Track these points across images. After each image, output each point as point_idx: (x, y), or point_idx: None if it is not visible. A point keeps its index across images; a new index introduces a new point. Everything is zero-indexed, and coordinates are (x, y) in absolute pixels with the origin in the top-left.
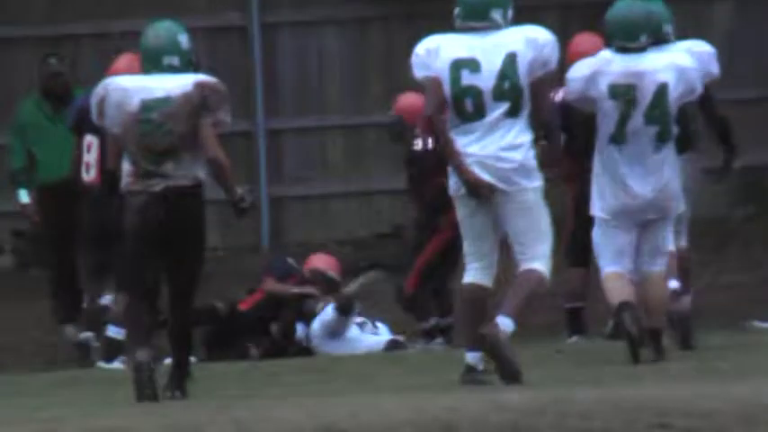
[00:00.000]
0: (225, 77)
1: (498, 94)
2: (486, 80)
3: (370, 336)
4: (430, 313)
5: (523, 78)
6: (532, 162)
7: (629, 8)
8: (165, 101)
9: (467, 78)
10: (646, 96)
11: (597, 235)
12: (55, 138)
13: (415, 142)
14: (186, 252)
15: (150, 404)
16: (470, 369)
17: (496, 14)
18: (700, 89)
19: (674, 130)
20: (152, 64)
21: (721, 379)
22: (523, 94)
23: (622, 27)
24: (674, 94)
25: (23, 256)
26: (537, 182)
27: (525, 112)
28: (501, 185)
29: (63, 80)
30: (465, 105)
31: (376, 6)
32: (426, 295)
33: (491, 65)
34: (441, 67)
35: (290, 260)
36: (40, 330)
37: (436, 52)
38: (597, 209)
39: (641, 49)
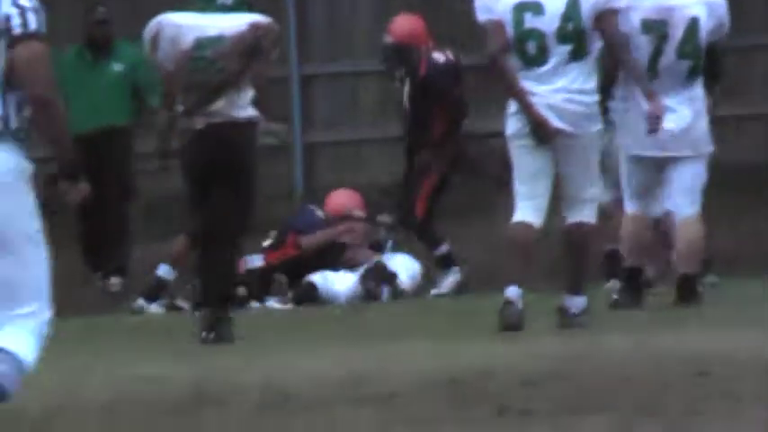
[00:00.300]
0: None
1: (561, 37)
2: (549, 23)
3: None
4: (441, 239)
5: (586, 20)
6: (597, 106)
7: None
8: (219, 39)
9: (529, 21)
10: (678, 31)
11: (624, 172)
12: (93, 86)
13: (434, 58)
14: (233, 188)
15: (180, 351)
16: (509, 302)
17: None
18: (728, 23)
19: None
20: (205, 2)
21: (760, 327)
22: (587, 36)
23: None
24: (705, 28)
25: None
26: (598, 126)
27: (591, 56)
28: (568, 128)
29: (107, 29)
30: (528, 48)
31: None
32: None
33: (554, 7)
34: (503, 10)
35: (313, 207)
36: (66, 278)
37: None
38: (624, 145)
39: None
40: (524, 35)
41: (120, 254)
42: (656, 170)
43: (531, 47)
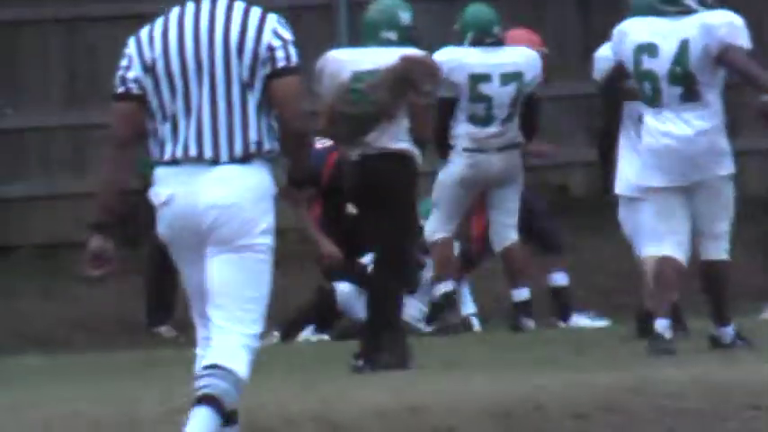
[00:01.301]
0: (307, 60)
1: (672, 79)
2: (661, 65)
3: None
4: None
5: (696, 64)
6: (720, 145)
7: None
8: (372, 73)
9: (646, 62)
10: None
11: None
12: None
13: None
14: (391, 217)
15: None
16: (657, 337)
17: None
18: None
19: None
20: (370, 37)
21: None
22: (696, 80)
23: None
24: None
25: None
26: (725, 163)
27: (709, 98)
28: (688, 170)
29: None
30: (644, 89)
31: None
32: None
33: (667, 50)
34: (627, 49)
35: None
36: (120, 309)
37: (624, 35)
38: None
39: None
40: (641, 76)
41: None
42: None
43: (647, 88)
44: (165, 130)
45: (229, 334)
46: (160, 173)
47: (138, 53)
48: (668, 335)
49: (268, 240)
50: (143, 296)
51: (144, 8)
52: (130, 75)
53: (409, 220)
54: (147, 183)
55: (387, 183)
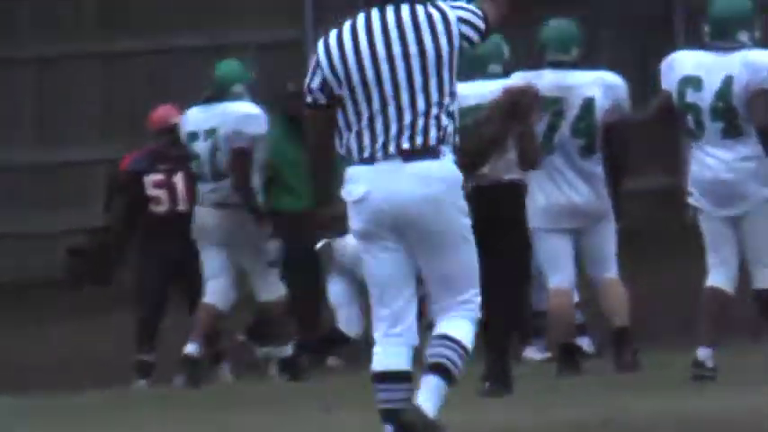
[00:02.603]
0: (281, 90)
1: (714, 114)
2: (705, 99)
3: None
4: None
5: (738, 100)
6: (763, 175)
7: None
8: (477, 108)
9: (690, 96)
10: (573, 110)
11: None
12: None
13: None
14: (506, 245)
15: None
16: (700, 365)
17: (743, 35)
18: (627, 104)
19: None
20: (478, 70)
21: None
22: (738, 115)
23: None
24: (600, 108)
25: (79, 274)
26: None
27: (750, 131)
28: (734, 201)
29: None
30: (687, 121)
31: None
32: None
33: (711, 84)
34: (673, 80)
35: None
36: (94, 349)
37: (672, 66)
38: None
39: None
40: (685, 108)
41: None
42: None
43: (690, 121)
44: (360, 130)
45: (454, 311)
46: (354, 171)
47: (327, 60)
48: (710, 363)
49: (467, 221)
50: (115, 334)
51: (114, 47)
52: (315, 83)
53: (526, 246)
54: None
55: (503, 213)
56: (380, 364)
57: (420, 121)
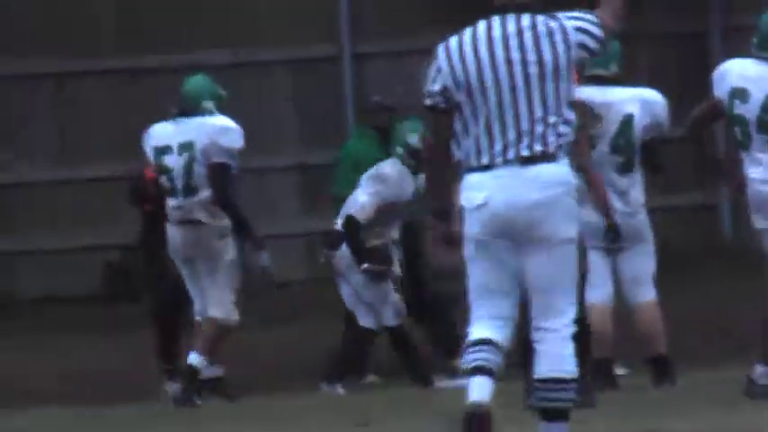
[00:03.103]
0: (311, 113)
1: (760, 126)
2: (751, 111)
3: None
4: None
5: None
6: None
7: None
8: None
9: (738, 107)
10: (612, 126)
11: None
12: None
13: None
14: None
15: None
16: (756, 381)
17: None
18: (666, 121)
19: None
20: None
21: None
22: None
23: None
24: (639, 125)
25: (115, 287)
26: None
27: None
28: None
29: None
30: (735, 133)
31: None
32: None
33: (757, 96)
34: (723, 92)
35: None
36: (111, 363)
37: (723, 76)
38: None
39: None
40: (733, 120)
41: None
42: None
43: (738, 132)
44: (478, 136)
45: (554, 336)
46: (474, 178)
47: (447, 65)
48: (764, 381)
49: (577, 225)
50: (138, 351)
51: (130, 63)
52: (436, 87)
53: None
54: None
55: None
56: (475, 335)
57: (538, 129)
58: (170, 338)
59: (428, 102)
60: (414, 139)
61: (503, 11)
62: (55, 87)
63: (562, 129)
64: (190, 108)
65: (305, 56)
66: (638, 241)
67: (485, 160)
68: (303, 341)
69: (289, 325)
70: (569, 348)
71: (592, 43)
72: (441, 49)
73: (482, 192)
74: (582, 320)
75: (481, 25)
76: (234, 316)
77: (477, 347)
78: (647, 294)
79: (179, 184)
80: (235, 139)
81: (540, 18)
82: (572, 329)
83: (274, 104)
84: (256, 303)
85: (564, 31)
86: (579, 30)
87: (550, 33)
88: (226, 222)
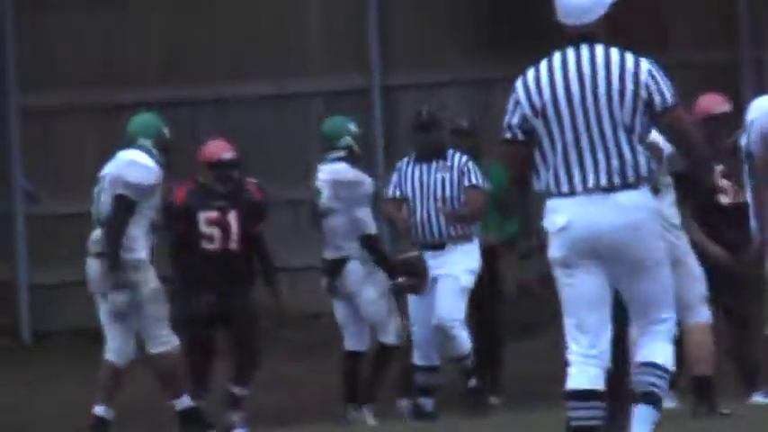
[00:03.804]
0: None
1: None
2: None
3: None
4: None
5: None
6: None
7: None
8: None
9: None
10: None
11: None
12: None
13: None
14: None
15: None
16: None
17: None
18: None
19: None
20: None
21: None
22: None
23: None
24: None
25: None
26: None
27: None
28: None
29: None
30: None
31: (499, 66)
32: None
33: None
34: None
35: None
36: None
37: (755, 110)
38: None
39: None
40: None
41: None
42: None
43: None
44: (558, 166)
45: (653, 333)
46: (555, 203)
47: (526, 97)
48: None
49: (663, 244)
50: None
51: (173, 95)
52: (515, 119)
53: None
54: None
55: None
56: (575, 383)
57: (614, 162)
58: (203, 366)
59: (507, 135)
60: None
61: (576, 42)
62: (102, 119)
63: (639, 159)
64: (127, 144)
65: (336, 88)
66: (679, 264)
67: (565, 189)
68: (334, 372)
69: (319, 356)
70: (669, 346)
71: (657, 100)
72: (519, 82)
73: (564, 215)
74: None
75: (556, 57)
76: (167, 347)
77: (578, 403)
78: (696, 316)
79: (94, 215)
80: (140, 175)
81: (615, 51)
82: (673, 332)
83: (306, 135)
84: (288, 334)
85: (637, 66)
86: (652, 76)
87: (623, 65)
88: (138, 255)
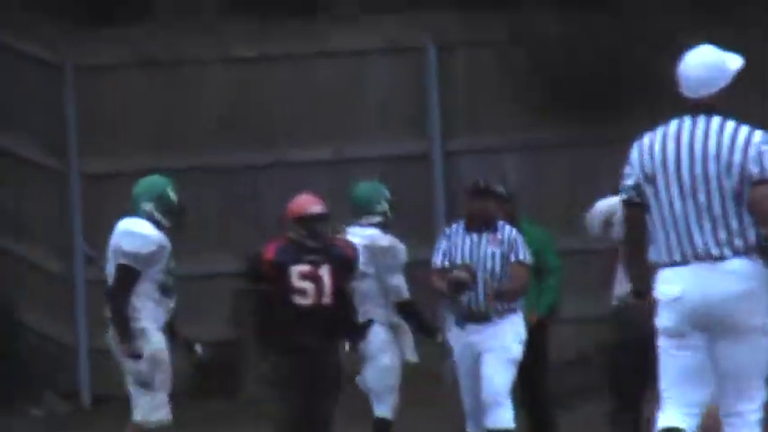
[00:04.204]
0: (403, 208)
1: None
2: None
3: None
4: None
5: None
6: None
7: None
8: None
9: None
10: None
11: None
12: None
13: None
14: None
15: None
16: None
17: None
18: None
19: None
20: None
21: None
22: None
23: None
24: None
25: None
26: None
27: None
28: None
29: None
30: None
31: (559, 131)
32: None
33: None
34: None
35: None
36: None
37: None
38: None
39: None
40: None
41: None
42: None
43: None
44: (669, 234)
45: (744, 415)
46: (668, 272)
47: (639, 162)
48: None
49: (765, 320)
50: None
51: (236, 160)
52: (629, 182)
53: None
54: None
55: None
56: (664, 422)
57: (721, 234)
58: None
59: (624, 196)
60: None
61: (693, 113)
62: None
63: (747, 230)
64: (131, 210)
65: (396, 152)
66: None
67: (676, 257)
68: None
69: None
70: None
71: (756, 174)
72: (634, 146)
73: (677, 285)
74: None
75: (672, 124)
76: (153, 417)
77: None
78: None
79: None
80: (136, 244)
81: (730, 123)
82: (759, 415)
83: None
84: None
85: (749, 139)
86: (759, 150)
87: (735, 137)
88: (140, 324)
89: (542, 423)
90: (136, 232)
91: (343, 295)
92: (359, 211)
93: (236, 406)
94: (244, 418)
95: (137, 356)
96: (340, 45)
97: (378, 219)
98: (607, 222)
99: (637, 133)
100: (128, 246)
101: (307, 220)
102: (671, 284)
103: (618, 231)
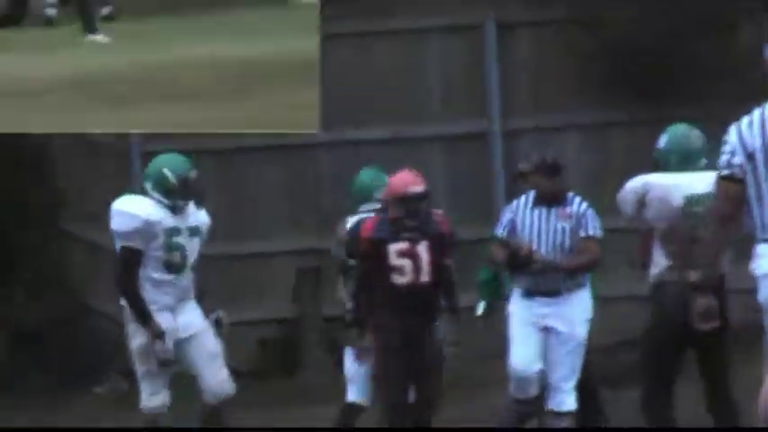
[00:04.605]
0: (463, 188)
1: None
2: None
3: None
4: None
5: None
6: None
7: None
8: (708, 197)
9: None
10: None
11: None
12: None
13: None
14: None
15: None
16: None
17: None
18: None
19: None
20: (688, 164)
21: None
22: None
23: None
24: None
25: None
26: None
27: None
28: None
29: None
30: None
31: (620, 111)
32: None
33: None
34: None
35: None
36: None
37: None
38: None
39: None
40: None
41: None
42: None
43: None
44: (763, 211)
45: None
46: (763, 248)
47: (739, 142)
48: None
49: None
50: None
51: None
52: (735, 160)
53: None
54: None
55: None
56: None
57: None
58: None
59: (725, 172)
60: None
61: None
62: (218, 163)
63: None
64: (141, 191)
65: (456, 132)
66: None
67: None
68: None
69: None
70: None
71: None
72: (733, 127)
73: None
74: None
75: None
76: (151, 402)
77: None
78: None
79: None
80: (117, 222)
81: None
82: None
83: (427, 181)
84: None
85: None
86: None
87: None
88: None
89: (590, 404)
90: (123, 211)
91: (441, 270)
92: (359, 199)
93: (296, 385)
94: (303, 400)
95: (161, 335)
96: (401, 24)
97: (377, 206)
98: (640, 203)
99: (699, 114)
100: (114, 225)
101: (407, 200)
102: (765, 259)
103: (651, 211)
